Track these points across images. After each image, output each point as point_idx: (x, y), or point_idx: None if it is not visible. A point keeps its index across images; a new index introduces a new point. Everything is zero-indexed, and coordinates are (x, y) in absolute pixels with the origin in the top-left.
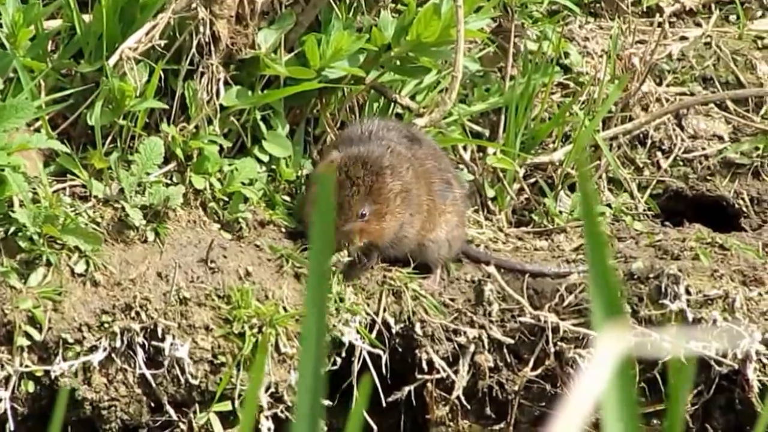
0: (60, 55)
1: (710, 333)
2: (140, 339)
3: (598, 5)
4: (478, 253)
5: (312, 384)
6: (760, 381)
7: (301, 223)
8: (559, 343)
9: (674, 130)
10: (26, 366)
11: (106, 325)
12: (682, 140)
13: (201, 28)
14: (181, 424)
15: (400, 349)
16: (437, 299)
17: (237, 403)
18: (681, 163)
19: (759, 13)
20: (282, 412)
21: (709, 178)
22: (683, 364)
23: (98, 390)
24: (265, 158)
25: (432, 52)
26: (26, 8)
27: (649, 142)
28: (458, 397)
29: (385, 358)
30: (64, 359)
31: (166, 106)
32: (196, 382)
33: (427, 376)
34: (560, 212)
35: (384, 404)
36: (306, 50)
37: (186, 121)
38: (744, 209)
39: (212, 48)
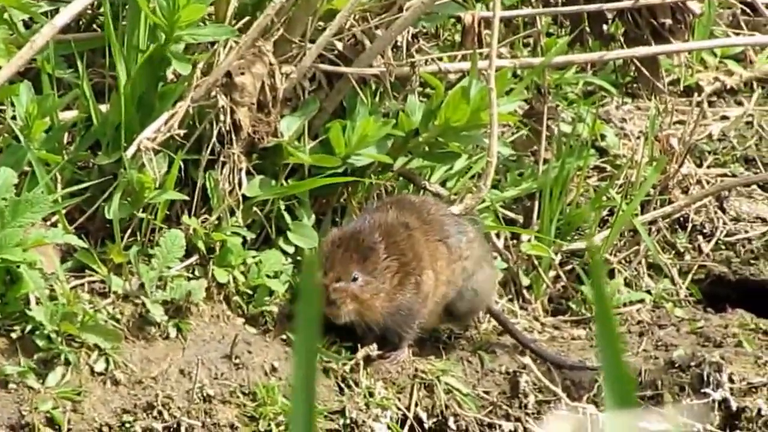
0: (76, 146)
1: (755, 422)
2: None
3: (635, 85)
4: (519, 334)
5: None
6: None
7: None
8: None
9: (716, 212)
10: None
11: (127, 425)
12: (724, 223)
13: (221, 117)
14: None
15: None
16: (472, 392)
17: None
18: (723, 246)
19: None
20: None
21: (752, 262)
22: None
23: None
24: (291, 249)
25: (462, 137)
26: (41, 99)
27: (689, 225)
28: None
29: None
30: None
31: (187, 198)
32: None
33: None
34: (593, 296)
35: None
36: (331, 137)
37: (208, 212)
38: None
39: (233, 137)
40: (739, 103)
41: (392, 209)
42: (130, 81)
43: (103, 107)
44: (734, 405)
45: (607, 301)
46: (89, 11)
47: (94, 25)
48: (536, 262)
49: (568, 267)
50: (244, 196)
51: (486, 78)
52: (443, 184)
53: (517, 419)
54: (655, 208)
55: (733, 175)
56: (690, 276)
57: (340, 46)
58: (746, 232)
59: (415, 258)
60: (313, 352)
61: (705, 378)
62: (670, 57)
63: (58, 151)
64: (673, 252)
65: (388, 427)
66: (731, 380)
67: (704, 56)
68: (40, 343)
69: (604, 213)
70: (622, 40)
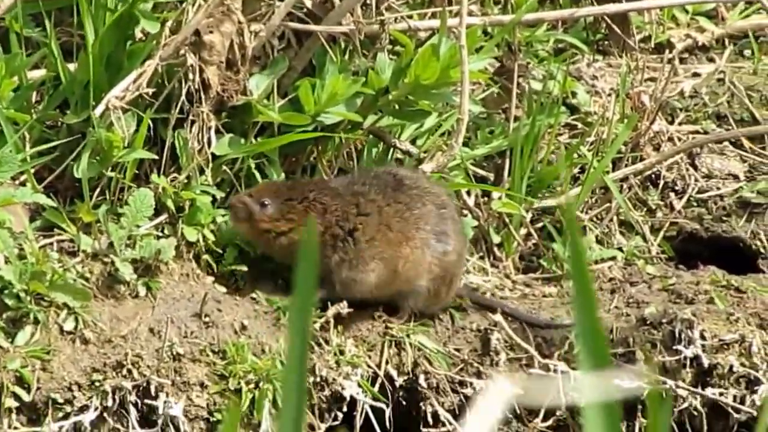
0: (45, 106)
1: (727, 379)
2: (133, 397)
3: (606, 43)
4: (486, 300)
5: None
6: None
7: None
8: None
9: (687, 169)
10: (15, 428)
11: (96, 384)
12: (696, 180)
13: (190, 75)
14: None
15: (404, 402)
16: (442, 349)
17: None
18: (695, 203)
19: None
20: None
21: (724, 218)
22: (661, 396)
23: None
24: None
25: (432, 95)
26: (9, 58)
27: (661, 182)
28: None
29: (388, 412)
30: (54, 420)
31: (156, 157)
32: None
33: (432, 430)
34: (569, 257)
35: None
36: (300, 95)
37: (177, 171)
38: (762, 250)
39: (202, 95)
40: (711, 60)
41: (398, 201)
42: (99, 40)
43: (72, 66)
44: (706, 362)
45: (583, 259)
46: None
47: None
48: (507, 220)
49: (539, 224)
50: (213, 154)
51: (456, 35)
52: (413, 142)
53: (489, 377)
54: (626, 165)
55: (705, 132)
56: (662, 233)
57: (309, 3)
58: (718, 188)
59: (368, 242)
60: (309, 312)
61: (677, 335)
62: (641, 14)
63: (26, 110)
64: (645, 209)
65: (359, 385)
66: (703, 337)
67: (675, 13)
68: (9, 302)
69: (576, 170)
70: None
